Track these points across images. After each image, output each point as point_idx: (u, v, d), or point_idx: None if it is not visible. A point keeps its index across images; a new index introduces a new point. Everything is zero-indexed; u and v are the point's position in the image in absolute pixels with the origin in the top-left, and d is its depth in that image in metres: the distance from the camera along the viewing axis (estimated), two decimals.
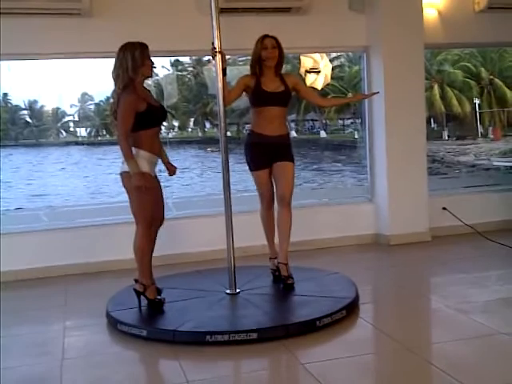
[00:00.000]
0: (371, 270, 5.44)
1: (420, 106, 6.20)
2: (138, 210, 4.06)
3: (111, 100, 4.13)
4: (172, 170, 4.36)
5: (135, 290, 4.18)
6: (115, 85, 3.98)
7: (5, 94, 21.43)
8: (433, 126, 26.37)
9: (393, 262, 5.58)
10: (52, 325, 4.22)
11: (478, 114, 27.21)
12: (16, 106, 22.24)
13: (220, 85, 4.34)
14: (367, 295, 4.47)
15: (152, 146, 4.03)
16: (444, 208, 6.26)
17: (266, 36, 4.50)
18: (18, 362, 3.58)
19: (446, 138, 26.41)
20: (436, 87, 26.24)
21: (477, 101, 26.89)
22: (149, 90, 4.19)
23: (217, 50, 4.29)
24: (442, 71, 26.66)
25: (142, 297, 4.17)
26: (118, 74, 3.95)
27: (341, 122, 26.91)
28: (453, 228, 6.20)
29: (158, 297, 4.16)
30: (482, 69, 26.48)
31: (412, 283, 4.86)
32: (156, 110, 4.08)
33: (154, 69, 4.08)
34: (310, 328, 3.73)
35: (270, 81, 4.51)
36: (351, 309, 4.04)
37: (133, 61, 3.92)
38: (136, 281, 4.18)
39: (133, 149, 3.95)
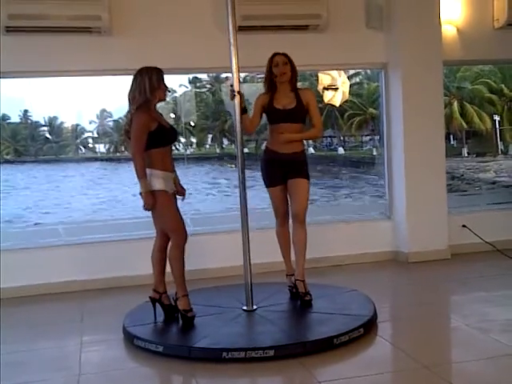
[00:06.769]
0: (389, 287, 5.39)
1: (439, 123, 6.16)
2: (165, 225, 4.19)
3: (124, 120, 4.26)
4: (182, 193, 4.38)
5: (151, 297, 4.29)
6: (130, 106, 4.12)
7: (25, 111, 21.73)
8: (452, 142, 26.20)
9: (411, 279, 5.52)
10: (69, 340, 4.23)
11: (498, 131, 26.99)
12: (36, 122, 22.50)
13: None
14: (385, 313, 4.43)
15: (164, 164, 4.13)
16: (464, 225, 6.20)
17: (276, 54, 4.51)
18: (35, 376, 3.60)
19: (466, 154, 26.20)
20: (456, 104, 26.11)
21: (497, 117, 26.69)
22: (161, 114, 4.30)
23: (235, 91, 4.30)
24: (461, 88, 26.52)
25: (158, 308, 4.26)
26: (134, 95, 4.09)
27: (359, 138, 26.82)
28: (472, 246, 6.13)
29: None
30: (503, 85, 26.29)
31: (431, 301, 4.80)
32: (166, 130, 4.19)
33: (167, 93, 4.20)
34: (328, 346, 3.70)
35: (283, 97, 4.50)
36: (369, 327, 4.00)
37: (150, 83, 4.06)
38: (154, 290, 4.29)
39: (147, 169, 4.05)
